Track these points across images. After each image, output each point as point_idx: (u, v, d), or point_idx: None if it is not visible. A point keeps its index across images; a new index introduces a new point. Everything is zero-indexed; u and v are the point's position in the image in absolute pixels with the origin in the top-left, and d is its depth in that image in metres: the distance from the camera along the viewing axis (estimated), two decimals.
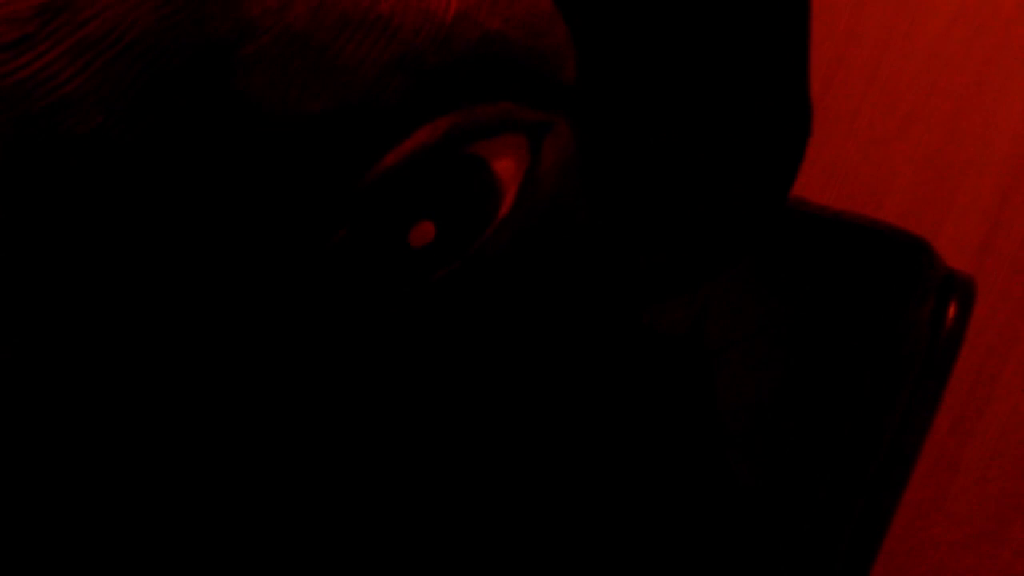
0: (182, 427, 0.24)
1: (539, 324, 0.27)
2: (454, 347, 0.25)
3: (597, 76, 0.27)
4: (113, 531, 0.24)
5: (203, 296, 0.22)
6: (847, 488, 0.50)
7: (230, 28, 0.20)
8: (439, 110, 0.22)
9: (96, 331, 0.23)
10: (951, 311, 0.52)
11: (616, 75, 0.28)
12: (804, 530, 0.50)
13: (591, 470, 0.36)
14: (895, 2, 0.69)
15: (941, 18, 0.69)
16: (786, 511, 0.50)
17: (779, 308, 0.54)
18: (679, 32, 0.28)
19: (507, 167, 0.23)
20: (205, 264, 0.22)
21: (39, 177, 0.21)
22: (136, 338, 0.23)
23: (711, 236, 0.31)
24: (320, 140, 0.21)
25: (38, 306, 0.22)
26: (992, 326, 0.67)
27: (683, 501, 0.42)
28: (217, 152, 0.21)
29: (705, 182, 0.30)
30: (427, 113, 0.21)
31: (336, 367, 0.24)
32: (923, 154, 0.69)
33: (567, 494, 0.35)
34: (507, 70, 0.22)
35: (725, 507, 0.44)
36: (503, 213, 0.24)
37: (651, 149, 0.29)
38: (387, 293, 0.23)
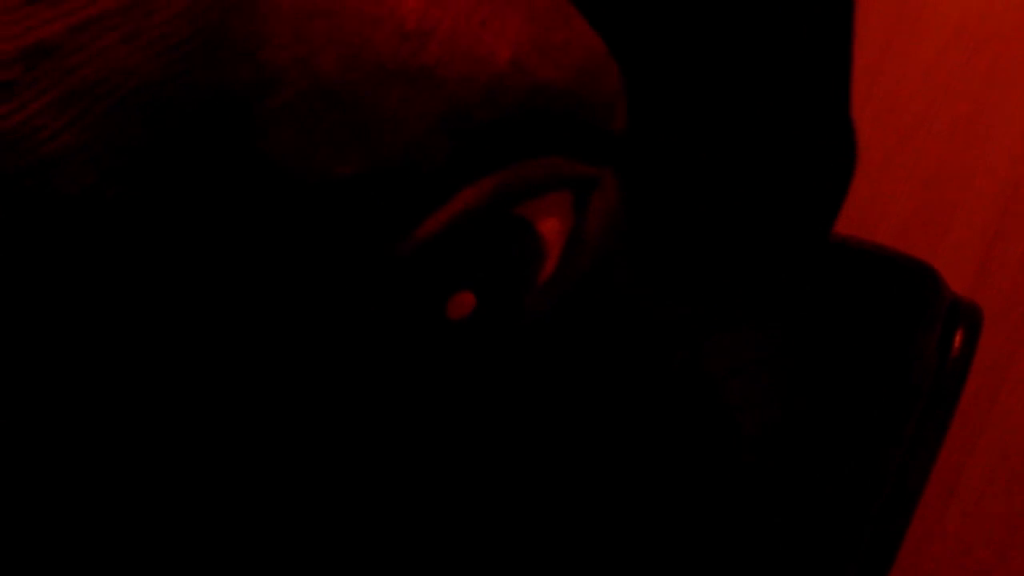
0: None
1: (570, 379, 0.25)
2: (484, 408, 0.23)
3: (636, 115, 0.24)
4: (113, 530, 0.21)
5: (212, 372, 0.19)
6: (854, 519, 0.49)
7: (250, 78, 0.17)
8: (484, 169, 0.19)
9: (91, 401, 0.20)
10: (958, 339, 0.51)
11: (656, 115, 0.25)
12: (812, 561, 0.49)
13: (586, 506, 0.34)
14: (890, 22, 0.68)
15: (938, 39, 0.68)
16: (792, 542, 0.48)
17: (782, 335, 0.52)
18: (718, 66, 0.26)
19: (551, 228, 0.21)
20: (215, 340, 0.19)
21: (23, 244, 0.18)
22: (134, 408, 0.20)
23: (751, 283, 0.29)
24: (352, 206, 0.18)
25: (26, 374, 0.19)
26: (989, 348, 0.66)
27: (686, 532, 0.41)
28: (233, 220, 0.18)
29: (747, 226, 0.28)
30: (471, 173, 0.19)
31: (362, 424, 0.22)
32: (919, 176, 0.68)
33: (568, 532, 0.33)
34: (557, 122, 0.20)
35: (728, 538, 0.43)
36: (545, 276, 0.21)
37: (691, 194, 0.26)
38: (420, 368, 0.20)
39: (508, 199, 0.19)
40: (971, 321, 0.52)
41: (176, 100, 0.17)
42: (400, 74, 0.18)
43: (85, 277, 0.18)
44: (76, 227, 0.18)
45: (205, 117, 0.17)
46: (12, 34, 0.17)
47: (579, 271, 0.22)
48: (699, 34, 0.25)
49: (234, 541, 0.22)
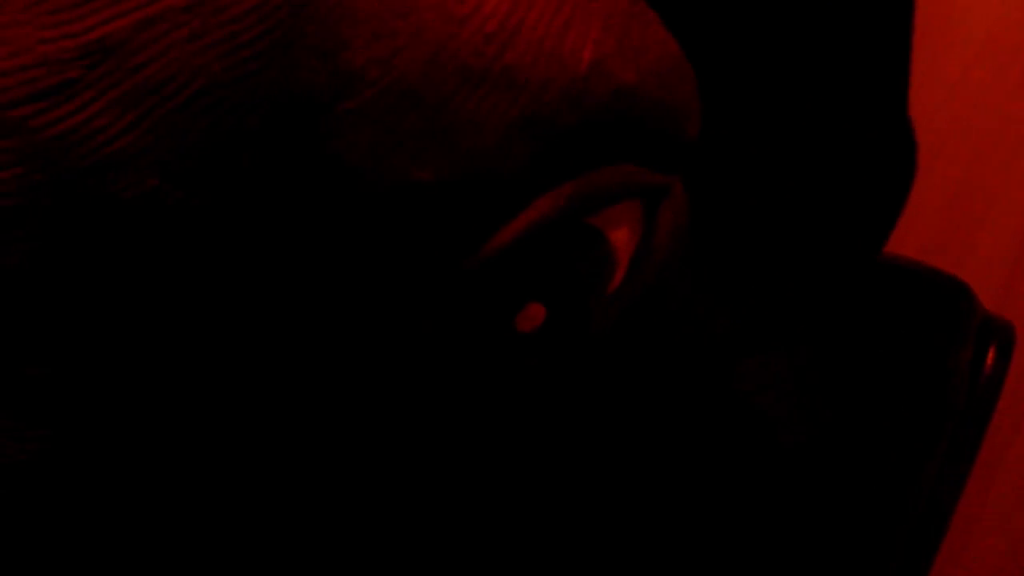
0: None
1: (625, 392, 0.24)
2: (544, 420, 0.22)
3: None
4: (117, 528, 0.20)
5: (276, 380, 0.19)
6: (886, 537, 0.48)
7: (326, 79, 0.16)
8: (561, 176, 0.18)
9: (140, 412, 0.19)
10: (990, 356, 0.50)
11: (714, 120, 0.25)
12: None
13: (630, 516, 0.34)
14: (916, 38, 0.67)
15: (964, 54, 0.68)
16: (824, 559, 0.48)
17: (811, 351, 0.52)
18: (774, 63, 0.26)
19: (621, 238, 0.20)
20: (279, 348, 0.18)
21: (80, 248, 0.17)
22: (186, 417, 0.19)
23: (801, 297, 0.28)
24: (428, 213, 0.17)
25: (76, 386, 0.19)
26: (1016, 363, 0.65)
27: (719, 544, 0.40)
28: (302, 226, 0.17)
29: (804, 237, 0.27)
30: (548, 180, 0.18)
31: (425, 434, 0.21)
32: (946, 191, 0.67)
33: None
34: (635, 129, 0.19)
35: (759, 553, 0.42)
36: (613, 287, 0.20)
37: (747, 201, 0.26)
38: (486, 382, 0.20)
39: (583, 208, 0.19)
40: (1004, 338, 0.51)
41: (245, 101, 0.17)
42: (483, 75, 0.17)
43: (143, 283, 0.18)
44: (135, 233, 0.17)
45: (276, 119, 0.17)
46: (73, 31, 0.17)
47: (645, 284, 0.21)
48: (755, 34, 0.25)
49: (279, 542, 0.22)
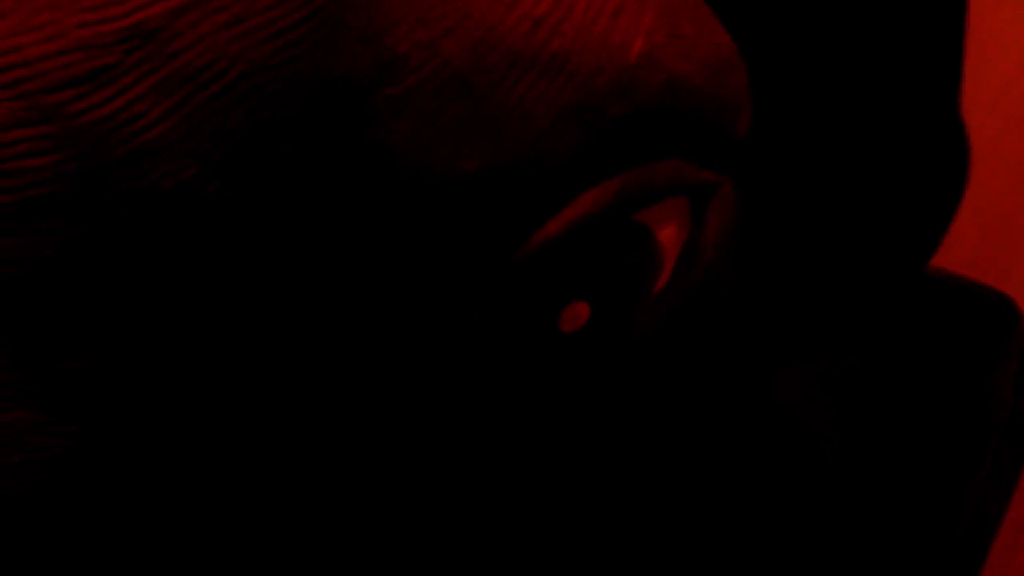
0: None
1: (665, 396, 0.23)
2: (585, 423, 0.22)
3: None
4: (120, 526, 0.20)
5: (314, 380, 0.18)
6: (929, 556, 0.47)
7: (367, 65, 0.16)
8: (608, 170, 0.18)
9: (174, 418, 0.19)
10: None
11: (763, 118, 0.24)
12: None
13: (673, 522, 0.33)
14: None
15: (1004, 70, 0.67)
16: None
17: (852, 368, 0.51)
18: (826, 64, 0.25)
19: (668, 235, 0.19)
20: (317, 346, 0.18)
21: (116, 239, 0.17)
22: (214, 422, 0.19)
23: (851, 307, 0.28)
24: (471, 205, 0.17)
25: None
26: None
27: (748, 563, 0.39)
28: (341, 218, 0.17)
29: (853, 245, 0.26)
30: (596, 173, 0.17)
31: (466, 434, 0.20)
32: (988, 206, 0.67)
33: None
34: (685, 122, 0.18)
35: (795, 571, 0.42)
36: (659, 287, 0.20)
37: (795, 209, 0.25)
38: (526, 382, 0.19)
39: (631, 204, 0.18)
40: None
41: (285, 88, 0.16)
42: (530, 62, 0.16)
43: (179, 275, 0.17)
44: (172, 223, 0.17)
45: (316, 106, 0.16)
46: (112, 15, 0.16)
47: (691, 285, 0.20)
48: (808, 34, 0.24)
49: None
